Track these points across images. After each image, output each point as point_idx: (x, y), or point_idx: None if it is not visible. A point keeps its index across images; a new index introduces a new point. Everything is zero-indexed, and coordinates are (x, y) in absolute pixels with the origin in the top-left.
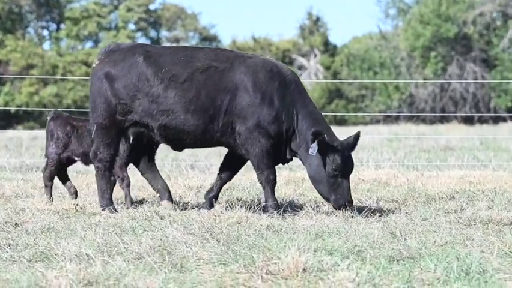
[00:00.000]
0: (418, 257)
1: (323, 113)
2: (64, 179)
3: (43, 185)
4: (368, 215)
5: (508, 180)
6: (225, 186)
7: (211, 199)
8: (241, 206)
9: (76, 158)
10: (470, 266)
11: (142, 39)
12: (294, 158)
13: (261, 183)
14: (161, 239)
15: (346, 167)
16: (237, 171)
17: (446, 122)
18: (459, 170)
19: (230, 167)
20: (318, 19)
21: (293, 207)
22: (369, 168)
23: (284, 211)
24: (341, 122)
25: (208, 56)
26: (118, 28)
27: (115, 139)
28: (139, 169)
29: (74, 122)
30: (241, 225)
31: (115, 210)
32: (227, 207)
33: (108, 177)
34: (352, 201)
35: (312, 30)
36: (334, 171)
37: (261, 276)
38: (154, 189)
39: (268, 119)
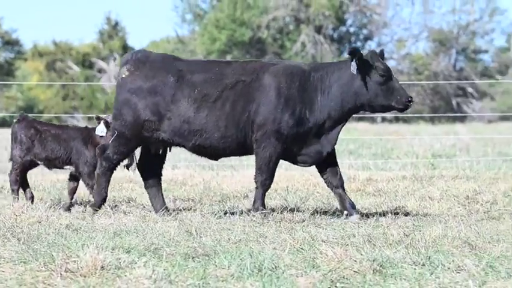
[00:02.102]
0: (213, 254)
1: None
2: (25, 185)
3: (10, 189)
4: (165, 213)
5: (300, 179)
6: None
7: (351, 207)
8: (42, 206)
9: (39, 162)
10: (262, 263)
11: None
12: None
13: (255, 182)
14: None
15: (388, 67)
16: (338, 168)
17: None
18: (253, 170)
19: (331, 173)
20: (116, 24)
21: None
22: (165, 169)
23: (83, 211)
24: None
25: (236, 70)
26: None
27: (130, 150)
28: (144, 181)
29: (39, 126)
30: (41, 224)
31: (102, 205)
32: (28, 206)
33: (109, 177)
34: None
35: (111, 35)
36: (382, 76)
37: (60, 274)
38: (153, 207)
39: (290, 123)
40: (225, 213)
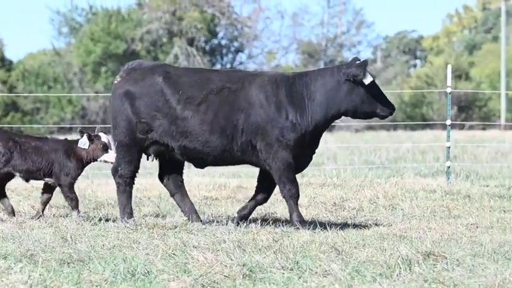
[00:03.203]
0: (87, 260)
1: None
2: (2, 196)
3: None
4: (41, 220)
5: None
6: None
7: (243, 217)
8: None
9: (17, 174)
10: (136, 268)
11: None
12: None
13: (283, 197)
14: None
15: (373, 76)
16: (272, 191)
17: None
18: None
19: (265, 188)
20: None
21: None
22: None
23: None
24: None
25: (222, 77)
26: None
27: (135, 156)
28: (167, 189)
29: (17, 138)
30: None
31: (135, 223)
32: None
33: (129, 193)
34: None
35: None
36: (370, 85)
37: None
38: (182, 211)
39: (287, 128)
40: (99, 220)
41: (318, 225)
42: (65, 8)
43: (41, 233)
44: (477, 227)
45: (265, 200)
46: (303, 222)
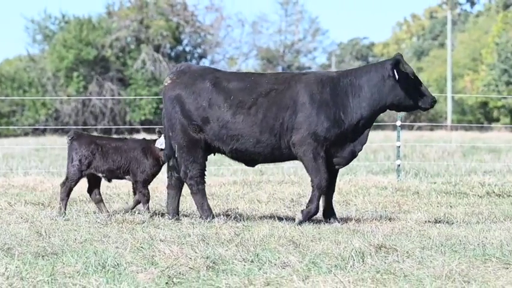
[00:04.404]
0: (61, 253)
1: None
2: (99, 199)
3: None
4: (17, 217)
5: None
6: None
7: (329, 215)
8: None
9: (99, 175)
10: (106, 260)
11: None
12: None
13: (312, 186)
14: None
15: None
16: (335, 182)
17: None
18: None
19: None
20: None
21: None
22: (18, 175)
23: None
24: None
25: (270, 80)
26: None
27: (197, 155)
28: (168, 181)
29: (98, 140)
30: None
31: (214, 217)
32: None
33: (202, 191)
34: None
35: None
36: (412, 79)
37: None
38: (166, 206)
39: (326, 125)
40: (72, 216)
41: (277, 220)
42: (39, 16)
43: (17, 228)
44: (425, 222)
45: (333, 191)
46: (311, 216)
